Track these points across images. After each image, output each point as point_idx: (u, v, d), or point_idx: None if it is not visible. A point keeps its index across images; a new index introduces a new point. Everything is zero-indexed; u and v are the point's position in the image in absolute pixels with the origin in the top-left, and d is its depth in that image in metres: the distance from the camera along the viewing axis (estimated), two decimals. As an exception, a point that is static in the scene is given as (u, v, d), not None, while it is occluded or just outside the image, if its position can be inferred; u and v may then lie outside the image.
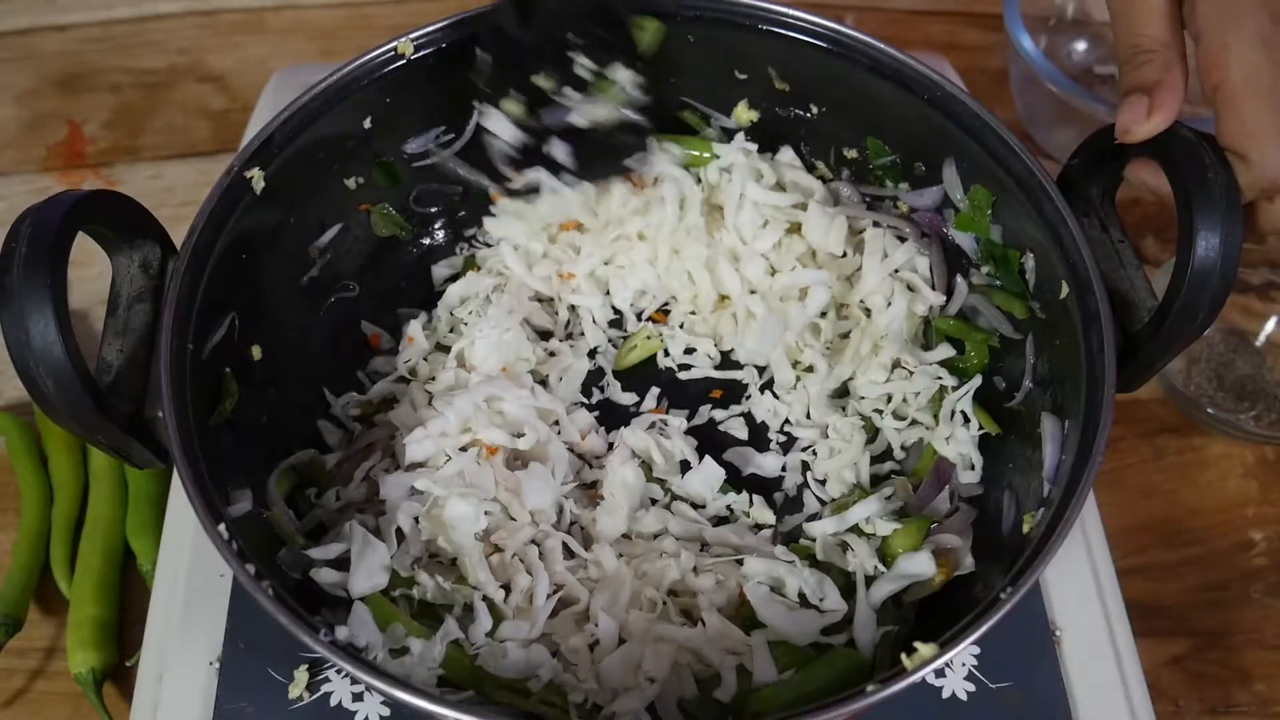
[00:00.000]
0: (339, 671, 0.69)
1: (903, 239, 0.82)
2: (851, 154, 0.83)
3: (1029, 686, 0.69)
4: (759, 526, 0.76)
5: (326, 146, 0.77)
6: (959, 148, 0.75)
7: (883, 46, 0.75)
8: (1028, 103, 1.06)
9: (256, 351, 0.74)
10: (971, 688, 0.69)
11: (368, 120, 0.78)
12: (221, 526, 0.60)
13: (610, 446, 0.78)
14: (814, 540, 0.74)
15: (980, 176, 0.75)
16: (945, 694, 0.69)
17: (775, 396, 0.82)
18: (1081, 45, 1.11)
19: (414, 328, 0.83)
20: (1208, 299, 0.62)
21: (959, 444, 0.76)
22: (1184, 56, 0.64)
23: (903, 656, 0.58)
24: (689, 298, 0.86)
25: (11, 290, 0.57)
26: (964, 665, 0.70)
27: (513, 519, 0.73)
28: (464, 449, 0.74)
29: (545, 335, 0.86)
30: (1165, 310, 0.63)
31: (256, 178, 0.71)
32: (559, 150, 0.73)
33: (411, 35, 0.76)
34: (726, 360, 0.85)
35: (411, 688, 0.57)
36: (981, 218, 0.76)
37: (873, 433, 0.80)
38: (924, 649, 0.57)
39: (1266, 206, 0.65)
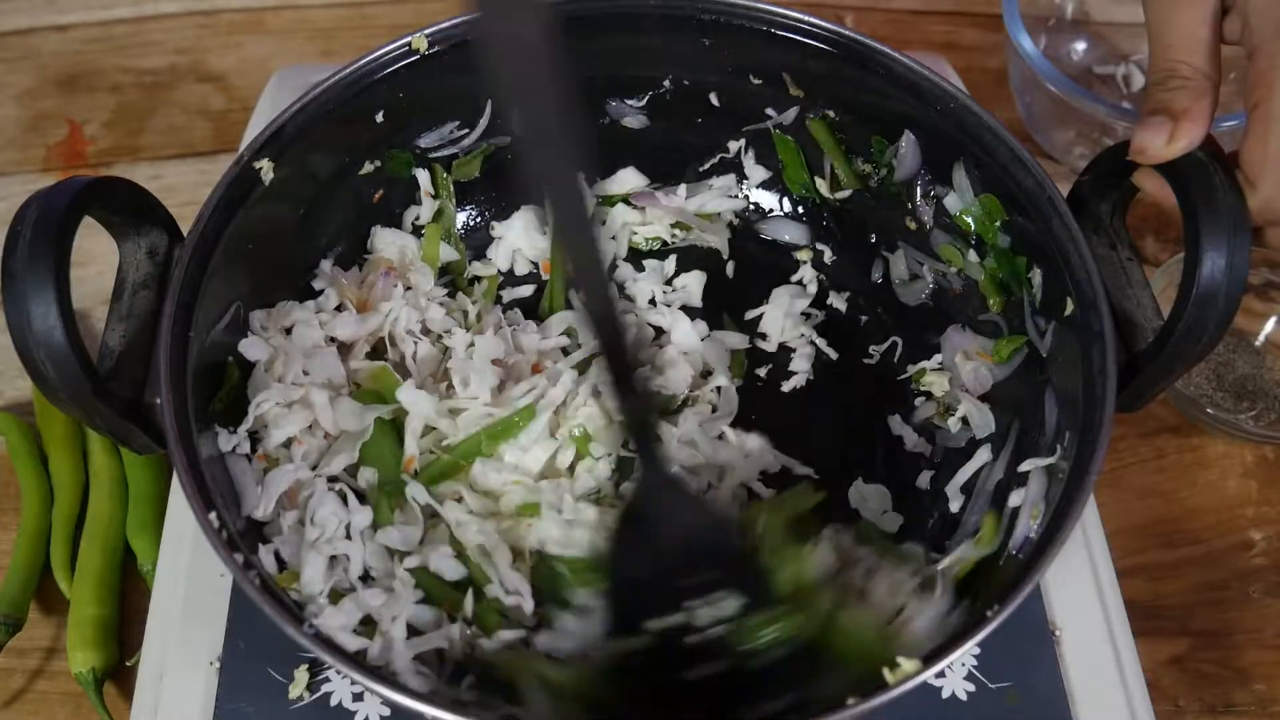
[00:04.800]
0: (339, 671, 0.69)
1: None
2: (866, 168, 0.83)
3: (1029, 686, 0.69)
4: None
5: (338, 139, 0.77)
6: (970, 158, 0.76)
7: (896, 55, 0.75)
8: (1027, 103, 1.06)
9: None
10: (971, 688, 0.69)
11: (380, 114, 0.78)
12: (213, 515, 0.60)
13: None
14: None
15: (990, 188, 0.75)
16: (945, 694, 0.69)
17: None
18: (1081, 45, 1.11)
19: None
20: (1213, 320, 0.61)
21: None
22: (1217, 87, 0.63)
23: (885, 671, 0.58)
24: None
25: (14, 273, 0.57)
26: (963, 665, 0.70)
27: None
28: None
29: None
30: (1169, 331, 0.63)
31: (266, 168, 0.71)
32: None
33: (426, 31, 0.76)
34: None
35: (404, 688, 0.57)
36: (989, 226, 0.76)
37: None
38: (906, 664, 0.57)
39: (1272, 231, 0.65)
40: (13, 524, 0.86)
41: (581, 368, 0.78)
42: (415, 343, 0.78)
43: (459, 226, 0.88)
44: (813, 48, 0.78)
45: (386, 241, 0.84)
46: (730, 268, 0.89)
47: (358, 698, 0.68)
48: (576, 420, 0.75)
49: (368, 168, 0.81)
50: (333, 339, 0.77)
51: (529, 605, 0.70)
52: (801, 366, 0.84)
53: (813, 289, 0.87)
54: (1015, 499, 0.69)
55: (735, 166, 0.89)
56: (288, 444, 0.73)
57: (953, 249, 0.80)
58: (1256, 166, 0.62)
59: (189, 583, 0.72)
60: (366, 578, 0.70)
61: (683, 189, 0.88)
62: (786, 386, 0.83)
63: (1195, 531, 0.88)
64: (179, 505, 0.77)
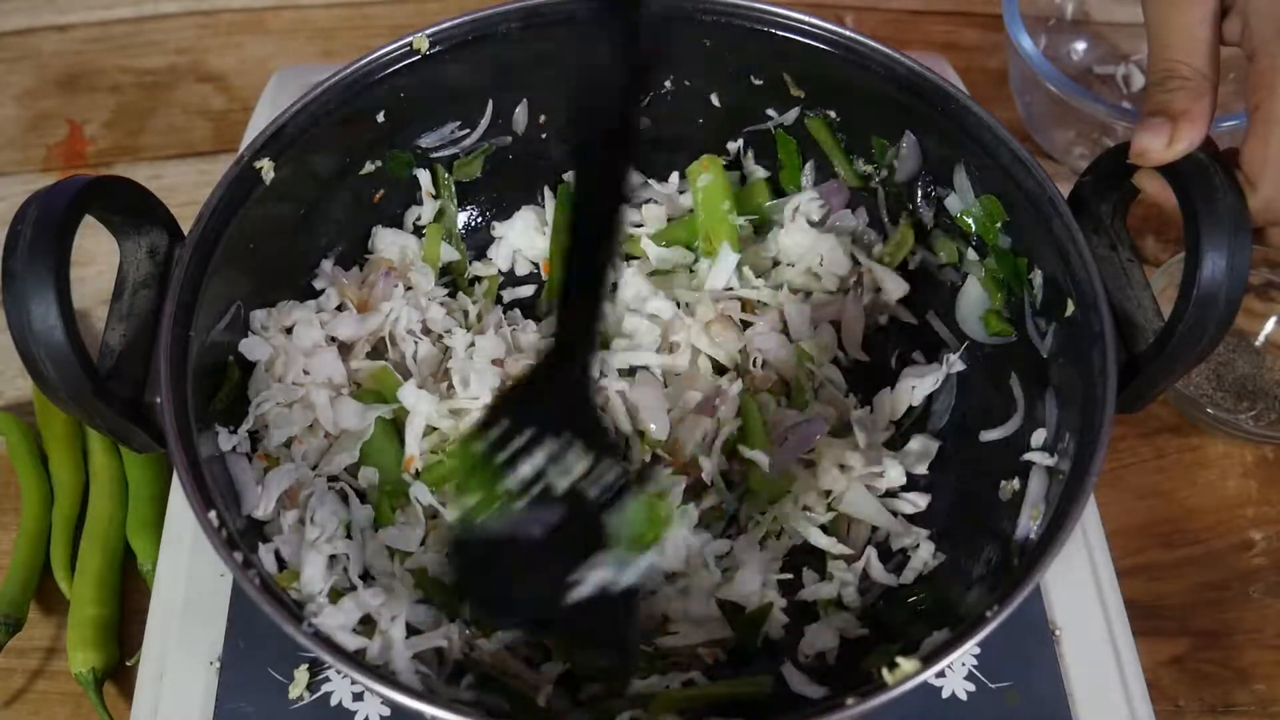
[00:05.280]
0: (339, 671, 0.69)
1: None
2: (867, 168, 0.83)
3: (1029, 686, 0.69)
4: None
5: (338, 139, 0.77)
6: (971, 159, 0.76)
7: (896, 55, 0.75)
8: (1027, 103, 1.06)
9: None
10: (971, 687, 0.69)
11: (381, 114, 0.78)
12: (213, 514, 0.60)
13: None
14: None
15: (990, 188, 0.75)
16: (945, 694, 0.69)
17: None
18: (1081, 45, 1.11)
19: None
20: (1213, 321, 0.61)
21: None
22: (1216, 88, 0.63)
23: (884, 671, 0.58)
24: None
25: (15, 273, 0.57)
26: (964, 665, 0.70)
27: None
28: None
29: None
30: (1170, 332, 0.63)
31: (266, 168, 0.71)
32: None
33: (427, 31, 0.76)
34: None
35: (404, 687, 0.57)
36: (990, 227, 0.76)
37: None
38: (905, 664, 0.58)
39: (1273, 231, 0.65)
40: (13, 524, 0.85)
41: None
42: (416, 342, 0.78)
43: (460, 227, 0.88)
44: (813, 48, 0.78)
45: (387, 242, 0.84)
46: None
47: (358, 697, 0.68)
48: None
49: (368, 168, 0.81)
50: (333, 339, 0.77)
51: None
52: None
53: None
54: None
55: (735, 167, 0.89)
56: (288, 443, 0.73)
57: (953, 248, 0.80)
58: (1257, 167, 0.62)
59: (189, 582, 0.72)
60: (367, 577, 0.70)
61: (675, 178, 0.89)
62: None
63: (1195, 531, 0.88)
64: (179, 505, 0.77)
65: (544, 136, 0.86)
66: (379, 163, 0.82)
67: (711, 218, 0.84)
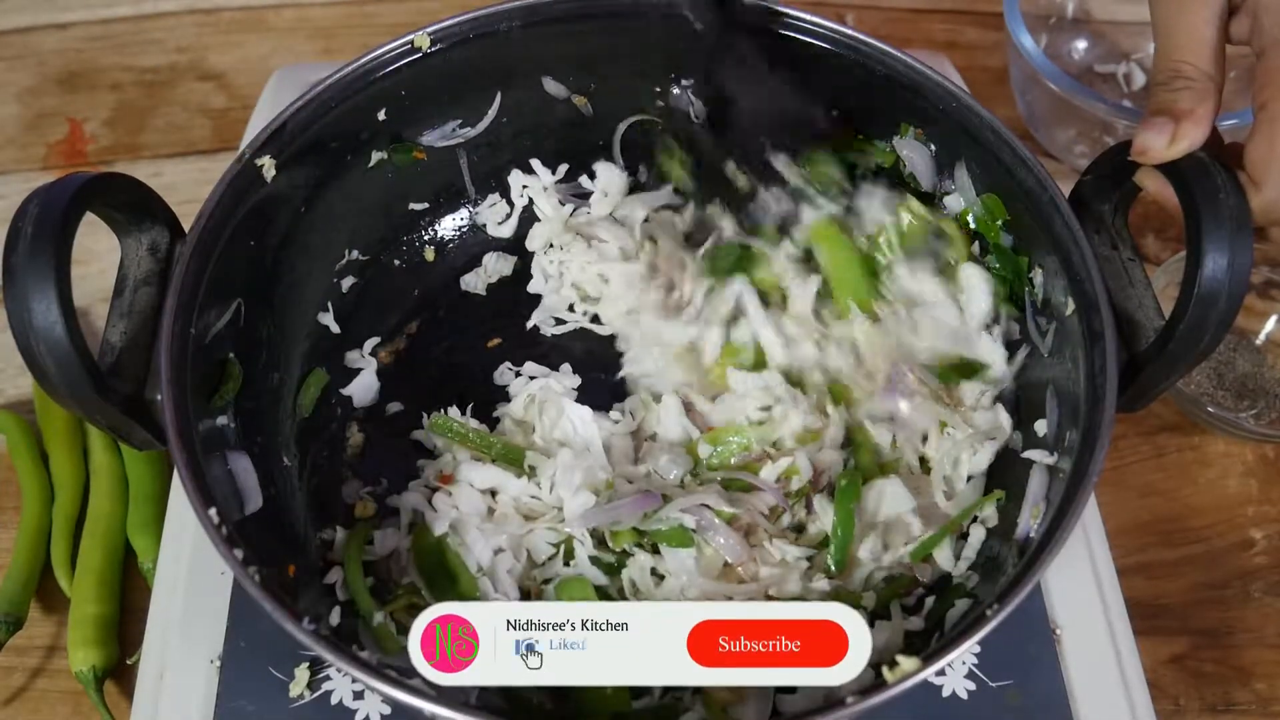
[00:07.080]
0: (339, 669, 0.69)
1: None
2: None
3: (1029, 685, 0.69)
4: None
5: (340, 137, 0.77)
6: (972, 158, 0.75)
7: (898, 54, 0.75)
8: (1028, 101, 1.06)
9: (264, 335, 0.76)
10: (972, 686, 0.69)
11: (382, 112, 0.78)
12: (213, 512, 0.60)
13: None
14: None
15: (992, 187, 0.75)
16: (945, 692, 0.69)
17: None
18: (1082, 44, 1.11)
19: None
20: (1214, 321, 0.61)
21: None
22: (1220, 90, 0.63)
23: (884, 669, 0.58)
24: None
25: (16, 269, 0.57)
26: (964, 664, 0.70)
27: None
28: None
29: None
30: (1170, 331, 0.63)
31: (268, 166, 0.71)
32: None
33: (428, 29, 0.77)
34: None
35: (404, 685, 0.57)
36: (991, 226, 0.76)
37: None
38: (906, 663, 0.58)
39: (1275, 232, 0.65)
40: (13, 522, 0.85)
41: None
42: None
43: None
44: (814, 46, 0.78)
45: None
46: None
47: (358, 696, 0.68)
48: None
49: (371, 161, 0.81)
50: None
51: None
52: None
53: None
54: None
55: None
56: None
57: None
58: (1262, 167, 0.61)
59: (189, 581, 0.72)
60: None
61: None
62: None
63: (1196, 530, 0.88)
64: (180, 503, 0.77)
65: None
66: (383, 155, 0.82)
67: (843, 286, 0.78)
